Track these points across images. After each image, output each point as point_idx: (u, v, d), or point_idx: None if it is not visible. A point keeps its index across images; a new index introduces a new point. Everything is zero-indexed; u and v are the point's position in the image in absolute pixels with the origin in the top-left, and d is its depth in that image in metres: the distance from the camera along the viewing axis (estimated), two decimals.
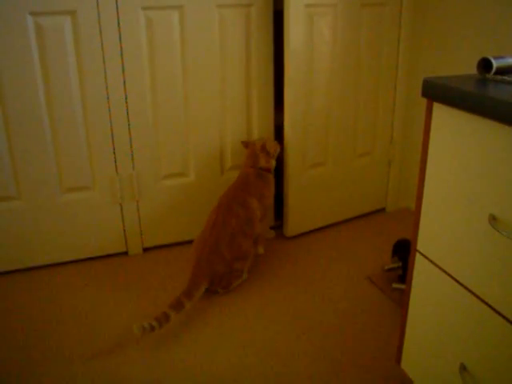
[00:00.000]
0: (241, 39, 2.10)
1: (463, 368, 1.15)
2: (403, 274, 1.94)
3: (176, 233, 2.29)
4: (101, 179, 2.08)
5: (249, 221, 1.96)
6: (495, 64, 1.11)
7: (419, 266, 1.27)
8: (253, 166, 2.08)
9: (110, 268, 2.12)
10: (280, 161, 2.22)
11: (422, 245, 1.25)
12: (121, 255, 2.22)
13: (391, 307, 1.85)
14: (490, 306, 1.05)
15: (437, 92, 1.10)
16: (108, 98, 1.98)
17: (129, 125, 2.04)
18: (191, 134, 2.16)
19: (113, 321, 1.79)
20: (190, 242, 2.18)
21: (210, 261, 1.86)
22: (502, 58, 1.13)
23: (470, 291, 1.11)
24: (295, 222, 2.34)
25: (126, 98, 2.00)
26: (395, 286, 1.94)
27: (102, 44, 1.90)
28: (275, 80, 2.25)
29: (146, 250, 2.26)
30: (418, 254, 1.27)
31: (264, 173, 2.08)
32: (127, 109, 2.01)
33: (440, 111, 1.12)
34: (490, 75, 1.12)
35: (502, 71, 1.12)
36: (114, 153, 2.06)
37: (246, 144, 2.15)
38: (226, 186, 2.10)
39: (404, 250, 1.92)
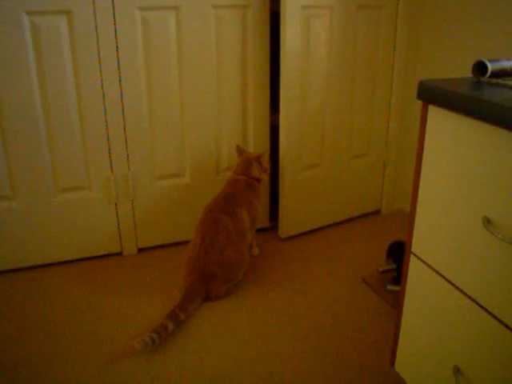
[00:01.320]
0: (237, 40, 2.10)
1: (457, 370, 1.16)
2: (398, 275, 1.95)
3: (171, 233, 2.28)
4: (96, 179, 2.07)
5: (238, 232, 1.91)
6: (490, 67, 1.11)
7: (413, 268, 1.27)
8: (244, 174, 2.04)
9: (104, 268, 2.11)
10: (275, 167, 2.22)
11: (416, 247, 1.25)
12: (115, 255, 2.21)
13: (385, 309, 1.85)
14: (484, 309, 1.06)
15: (432, 95, 1.10)
16: (103, 98, 1.97)
17: (124, 125, 2.04)
18: (187, 134, 2.15)
19: (107, 321, 1.78)
20: (184, 242, 2.18)
21: (202, 282, 1.84)
22: (497, 61, 1.14)
23: (464, 293, 1.11)
24: (290, 223, 2.34)
25: (121, 98, 2.00)
26: (390, 287, 1.94)
27: (97, 44, 1.90)
28: (271, 81, 2.25)
29: (140, 250, 2.26)
30: (412, 256, 1.27)
31: (254, 182, 2.04)
32: (123, 109, 2.01)
33: (435, 114, 1.12)
34: (485, 78, 1.12)
35: (497, 74, 1.12)
36: (110, 153, 2.05)
37: (241, 151, 2.10)
38: (221, 187, 2.10)
39: (399, 252, 1.93)
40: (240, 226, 1.92)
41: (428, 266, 1.21)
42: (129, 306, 1.87)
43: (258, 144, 2.29)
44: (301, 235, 2.39)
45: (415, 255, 1.26)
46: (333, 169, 2.39)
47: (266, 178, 2.10)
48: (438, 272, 1.19)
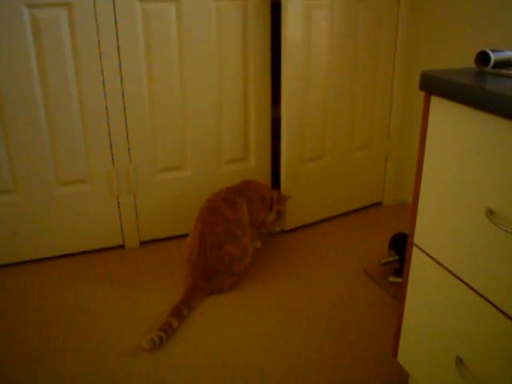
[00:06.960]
0: (238, 32, 2.09)
1: (459, 361, 1.16)
2: (400, 267, 1.95)
3: (173, 226, 2.28)
4: (97, 172, 2.07)
5: (239, 222, 1.90)
6: (493, 57, 1.10)
7: (416, 260, 1.27)
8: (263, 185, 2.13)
9: (106, 261, 2.12)
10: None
11: (418, 238, 1.25)
12: (117, 249, 2.22)
13: (388, 301, 1.85)
14: (486, 299, 1.06)
15: (434, 85, 1.09)
16: (104, 91, 1.97)
17: (125, 117, 2.03)
18: (188, 127, 2.15)
19: (109, 314, 1.79)
20: (186, 235, 2.18)
21: (205, 278, 1.85)
22: (500, 51, 1.13)
23: (466, 284, 1.11)
24: (292, 216, 2.34)
25: (122, 91, 1.99)
26: (392, 279, 1.94)
27: (98, 36, 1.89)
28: (272, 73, 2.24)
29: (142, 243, 2.26)
30: (414, 248, 1.27)
31: (266, 193, 2.09)
32: (124, 101, 2.01)
33: (437, 104, 1.12)
34: (488, 68, 1.12)
35: (499, 64, 1.11)
36: (111, 146, 2.05)
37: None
38: (223, 179, 2.10)
39: (401, 244, 1.93)
40: (240, 217, 1.92)
41: (430, 257, 1.21)
42: (131, 299, 1.87)
43: (259, 136, 2.28)
44: (303, 227, 2.39)
45: (418, 247, 1.26)
46: (335, 161, 2.38)
47: (271, 217, 2.14)
48: (440, 263, 1.18)
